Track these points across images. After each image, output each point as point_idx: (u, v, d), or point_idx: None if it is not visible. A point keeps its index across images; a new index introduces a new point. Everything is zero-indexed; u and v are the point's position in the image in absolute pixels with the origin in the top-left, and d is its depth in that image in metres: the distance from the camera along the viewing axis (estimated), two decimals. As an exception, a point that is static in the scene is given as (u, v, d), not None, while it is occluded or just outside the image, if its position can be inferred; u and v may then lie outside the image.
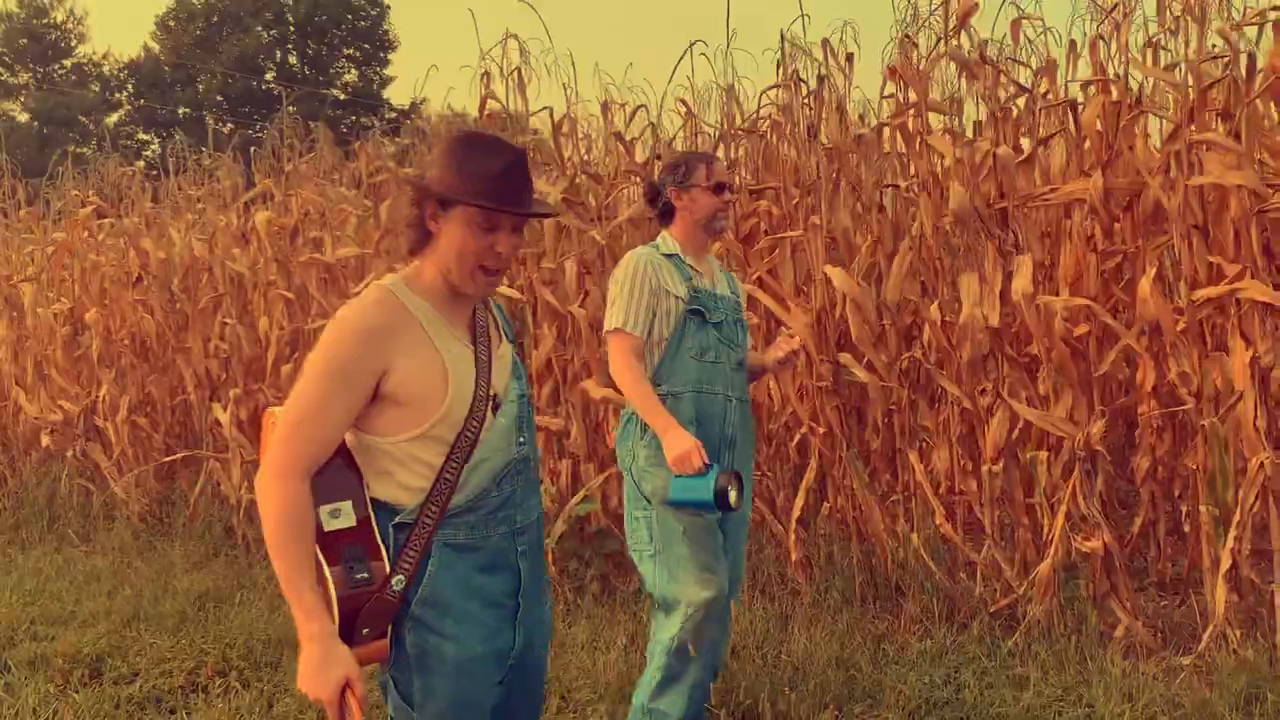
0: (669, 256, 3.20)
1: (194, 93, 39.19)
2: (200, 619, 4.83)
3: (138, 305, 7.25)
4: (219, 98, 38.18)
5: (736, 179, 5.19)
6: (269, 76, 40.04)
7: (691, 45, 5.26)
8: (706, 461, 2.89)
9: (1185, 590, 4.36)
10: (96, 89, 39.45)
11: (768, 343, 4.59)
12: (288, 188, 6.81)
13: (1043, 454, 4.32)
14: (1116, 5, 4.49)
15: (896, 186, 5.21)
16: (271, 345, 6.32)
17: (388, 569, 1.89)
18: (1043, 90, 4.99)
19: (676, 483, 2.91)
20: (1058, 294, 4.48)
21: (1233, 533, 3.92)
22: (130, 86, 39.57)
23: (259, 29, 40.51)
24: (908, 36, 4.82)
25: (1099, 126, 4.48)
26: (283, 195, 6.83)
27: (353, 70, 43.26)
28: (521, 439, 2.05)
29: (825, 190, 4.88)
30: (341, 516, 1.90)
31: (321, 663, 1.79)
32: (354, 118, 35.52)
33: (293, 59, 41.12)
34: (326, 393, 1.88)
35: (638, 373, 3.05)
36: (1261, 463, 3.88)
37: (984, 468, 4.47)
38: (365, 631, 1.87)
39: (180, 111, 37.57)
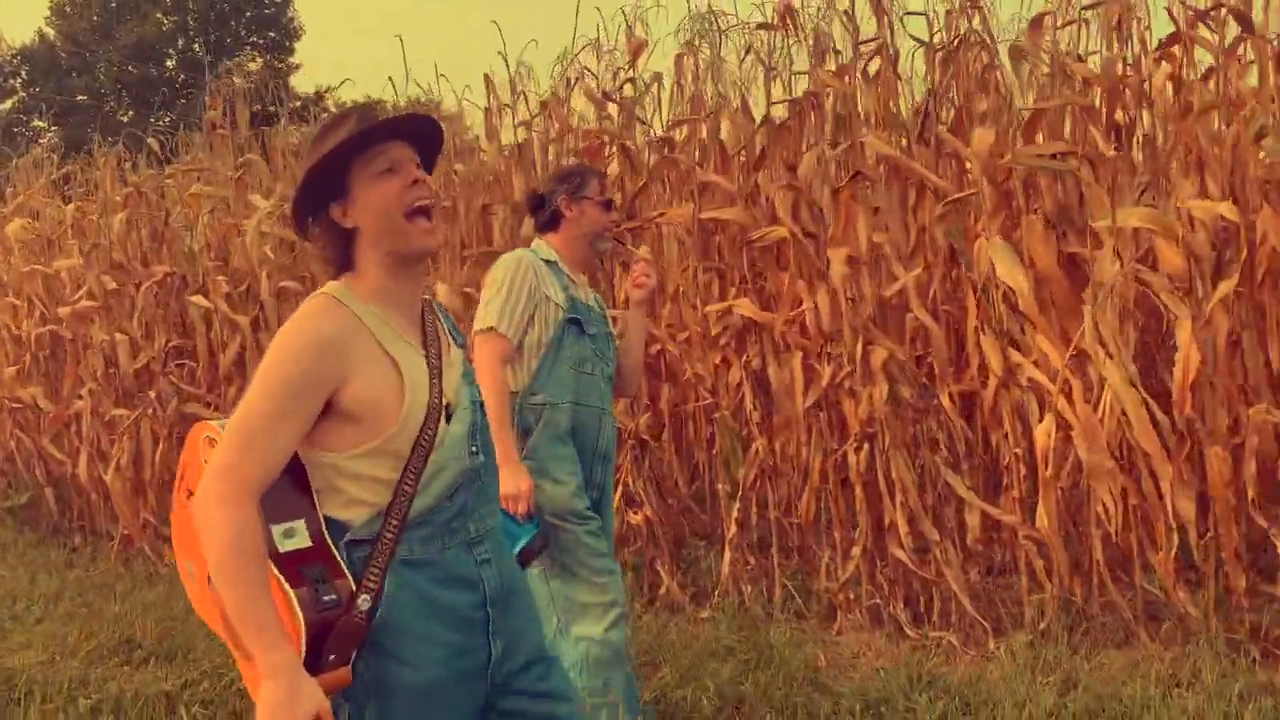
0: (548, 263, 3.16)
1: (90, 80, 38.80)
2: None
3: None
4: (118, 85, 37.95)
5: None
6: (169, 64, 39.79)
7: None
8: (531, 513, 2.89)
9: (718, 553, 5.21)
10: (-11, 75, 38.86)
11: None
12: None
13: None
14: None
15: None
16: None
17: (353, 588, 1.78)
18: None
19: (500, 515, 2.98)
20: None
21: (736, 505, 4.78)
22: (24, 73, 39.09)
23: (158, 15, 40.16)
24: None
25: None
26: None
27: (257, 59, 43.10)
28: (474, 447, 1.96)
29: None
30: (296, 536, 1.78)
31: (289, 699, 1.65)
32: (258, 107, 35.58)
33: (196, 47, 40.88)
34: (278, 410, 1.76)
35: (503, 384, 2.99)
36: (757, 448, 4.74)
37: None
38: (332, 658, 1.74)
39: (77, 98, 37.27)
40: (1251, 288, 4.04)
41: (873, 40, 4.57)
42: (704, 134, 5.03)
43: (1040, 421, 4.04)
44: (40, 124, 37.90)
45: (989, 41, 4.73)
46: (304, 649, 1.71)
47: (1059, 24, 4.64)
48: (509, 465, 2.82)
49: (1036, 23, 4.77)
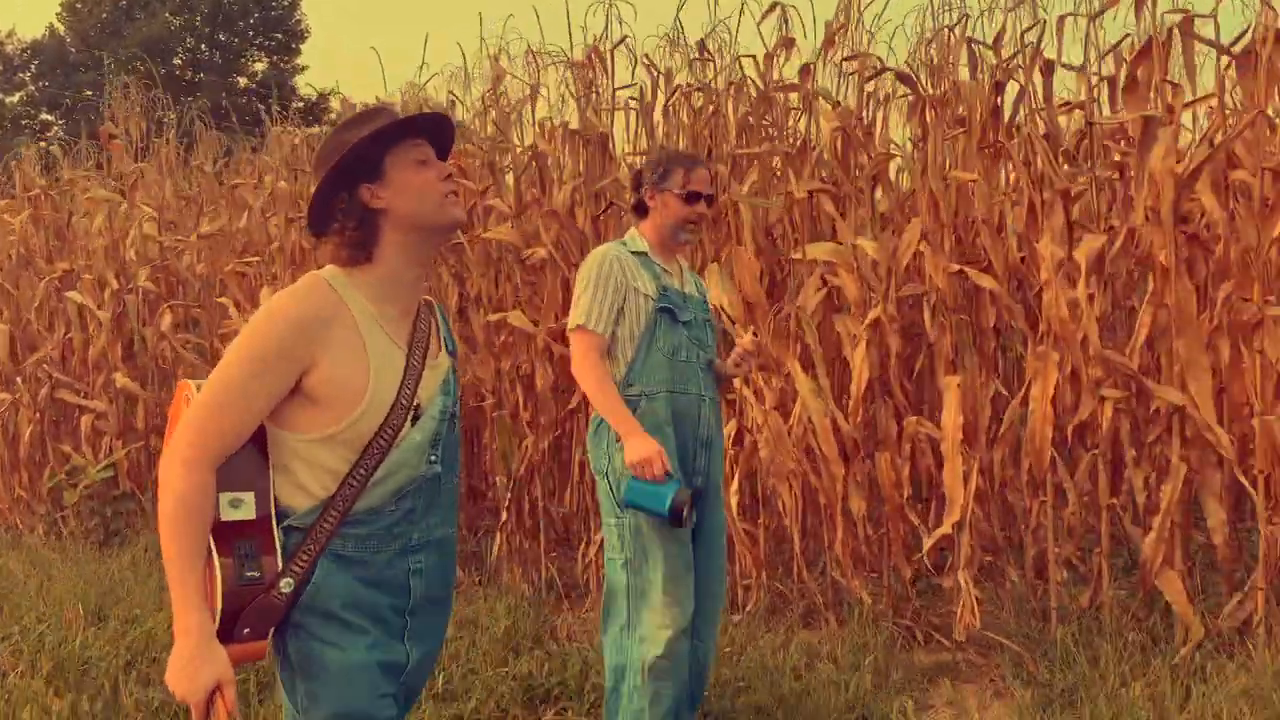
0: (637, 254, 3.14)
1: (97, 75, 39.73)
2: None
3: None
4: (125, 82, 38.88)
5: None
6: (177, 61, 40.70)
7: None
8: (668, 470, 2.90)
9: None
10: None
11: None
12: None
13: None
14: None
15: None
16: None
17: (279, 568, 1.81)
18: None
19: (635, 485, 2.91)
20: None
21: (509, 495, 5.35)
22: (33, 67, 40.08)
23: (166, 15, 41.08)
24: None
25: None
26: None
27: (263, 59, 43.90)
28: (434, 457, 1.94)
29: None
30: (242, 508, 1.81)
31: (193, 660, 1.71)
32: (262, 106, 36.33)
33: (203, 46, 41.78)
34: (249, 381, 1.79)
35: (601, 373, 3.00)
36: (526, 445, 5.31)
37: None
38: (246, 631, 1.79)
39: (85, 94, 38.21)
40: (918, 314, 4.60)
41: (630, 86, 5.16)
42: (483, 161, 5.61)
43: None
44: (48, 117, 38.85)
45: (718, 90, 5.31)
46: (218, 617, 1.76)
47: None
48: (633, 436, 2.91)
49: (805, 71, 5.35)
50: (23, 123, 36.85)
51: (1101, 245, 4.03)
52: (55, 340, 7.25)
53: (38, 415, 6.65)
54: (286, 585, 1.81)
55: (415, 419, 1.90)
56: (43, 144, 8.68)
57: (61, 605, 4.99)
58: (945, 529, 4.21)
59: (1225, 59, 4.60)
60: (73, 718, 4.00)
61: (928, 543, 4.24)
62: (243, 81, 40.50)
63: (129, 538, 6.10)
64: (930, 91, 4.87)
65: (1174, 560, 4.11)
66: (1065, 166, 4.26)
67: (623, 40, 5.16)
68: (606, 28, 5.20)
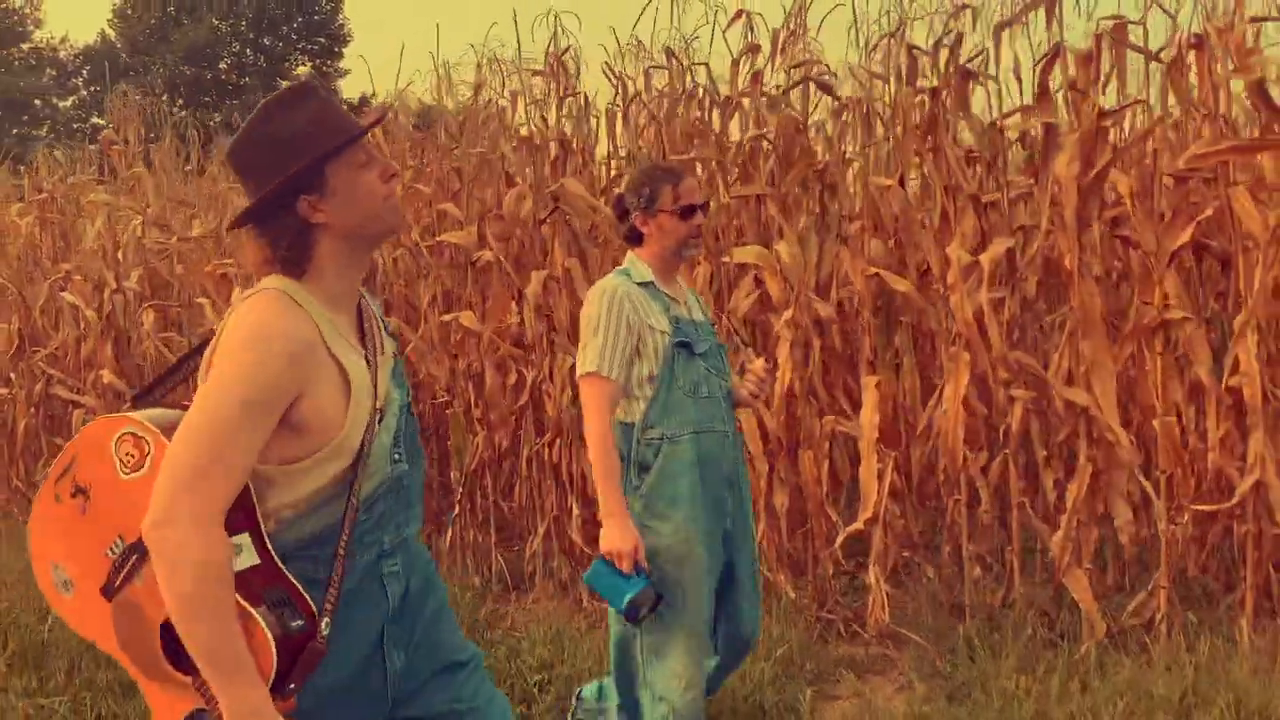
0: (643, 285, 2.93)
1: (143, 80, 40.71)
2: None
3: None
4: (178, 85, 39.82)
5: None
6: (223, 65, 41.57)
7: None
8: (641, 567, 2.75)
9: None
10: (53, 73, 41.01)
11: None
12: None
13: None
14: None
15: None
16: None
17: (313, 609, 1.68)
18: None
19: (599, 569, 2.76)
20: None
21: (462, 489, 5.54)
22: (85, 72, 41.16)
23: (213, 20, 41.98)
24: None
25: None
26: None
27: (307, 63, 44.68)
28: (398, 455, 1.84)
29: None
30: (243, 554, 1.64)
31: None
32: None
33: (248, 50, 42.66)
34: (248, 419, 1.63)
35: (606, 430, 2.79)
36: (478, 442, 5.50)
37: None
38: (292, 687, 1.64)
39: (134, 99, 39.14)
40: (843, 318, 4.72)
41: (573, 94, 5.32)
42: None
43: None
44: (99, 121, 39.89)
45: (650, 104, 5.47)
46: (272, 674, 1.60)
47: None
48: (614, 519, 2.73)
49: (756, 77, 5.49)
50: (75, 126, 37.89)
51: (1005, 250, 4.12)
52: (60, 339, 7.58)
53: (33, 410, 6.98)
54: (327, 628, 1.67)
55: (380, 420, 1.79)
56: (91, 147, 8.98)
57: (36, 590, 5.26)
58: (858, 525, 4.33)
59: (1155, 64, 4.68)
60: (24, 694, 4.27)
61: (840, 538, 4.35)
62: (285, 85, 41.29)
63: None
64: (871, 98, 4.99)
65: (1081, 558, 4.19)
66: (977, 172, 4.36)
67: (568, 49, 5.33)
68: (554, 37, 5.37)
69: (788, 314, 4.36)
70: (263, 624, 1.59)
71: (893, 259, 4.80)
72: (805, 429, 4.62)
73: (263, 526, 1.69)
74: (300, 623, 1.64)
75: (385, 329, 1.94)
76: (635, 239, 3.01)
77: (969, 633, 4.17)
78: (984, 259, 4.09)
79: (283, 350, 1.66)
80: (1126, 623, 4.14)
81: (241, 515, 1.66)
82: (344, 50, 43.12)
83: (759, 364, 3.09)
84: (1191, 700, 3.62)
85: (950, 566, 4.55)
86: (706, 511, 2.89)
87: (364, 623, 1.80)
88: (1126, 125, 5.07)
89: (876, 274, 4.43)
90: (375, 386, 1.79)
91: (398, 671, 1.86)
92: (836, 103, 4.79)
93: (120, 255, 6.99)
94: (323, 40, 42.70)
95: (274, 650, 1.59)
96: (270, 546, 1.69)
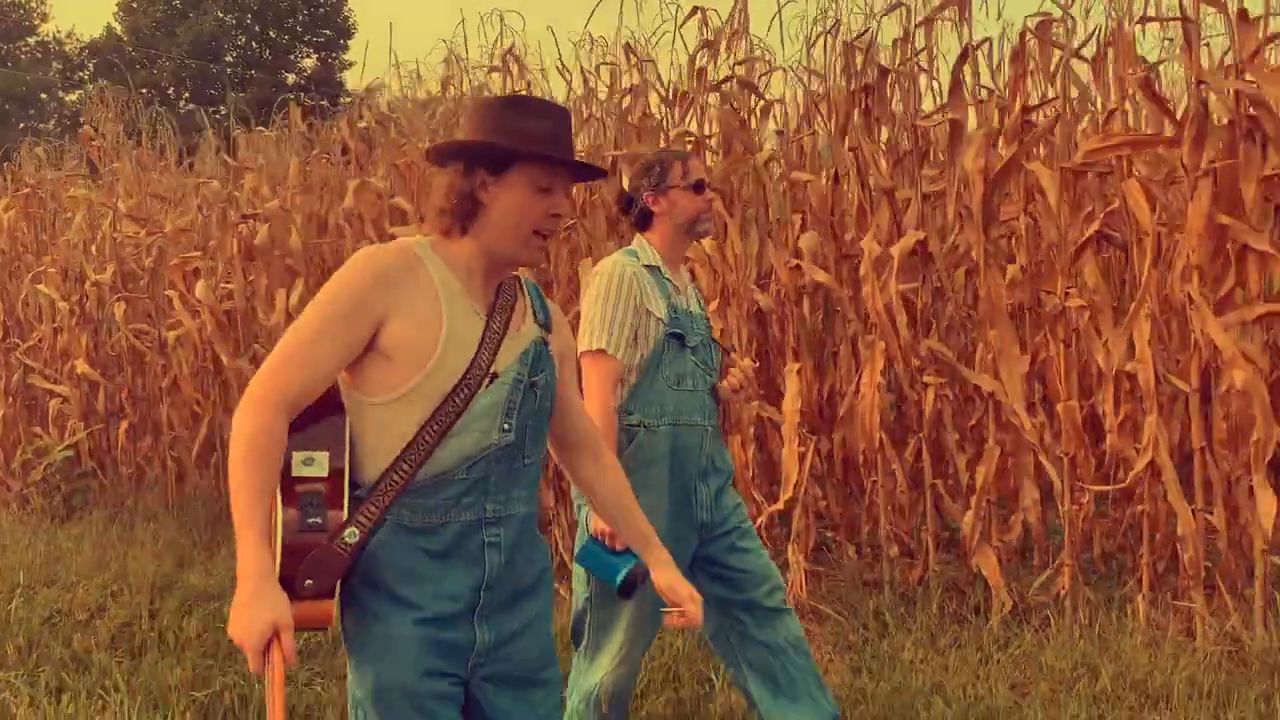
0: (650, 268, 2.91)
1: (149, 74, 40.96)
2: None
3: None
4: (183, 77, 40.12)
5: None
6: (228, 59, 41.80)
7: None
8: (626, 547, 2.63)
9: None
10: (59, 67, 41.29)
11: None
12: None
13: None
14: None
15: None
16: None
17: (344, 518, 1.75)
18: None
19: (590, 548, 2.73)
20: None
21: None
22: (91, 66, 41.44)
23: (218, 13, 42.17)
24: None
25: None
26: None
27: (311, 56, 44.84)
28: (507, 425, 1.87)
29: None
30: (314, 465, 1.78)
31: (250, 604, 1.62)
32: (310, 102, 37.27)
33: (253, 43, 42.88)
34: (324, 328, 1.79)
35: (610, 413, 2.77)
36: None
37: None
38: (308, 583, 1.71)
39: (141, 91, 39.43)
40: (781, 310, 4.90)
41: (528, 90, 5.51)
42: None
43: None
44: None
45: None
46: (278, 566, 1.69)
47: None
48: None
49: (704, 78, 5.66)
50: (81, 119, 38.19)
51: (916, 242, 4.29)
52: (42, 330, 7.80)
53: (11, 400, 7.21)
54: (351, 535, 1.75)
55: (490, 384, 1.85)
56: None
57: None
58: (779, 505, 4.51)
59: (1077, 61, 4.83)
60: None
61: (761, 518, 4.54)
62: (290, 78, 41.54)
63: (86, 513, 6.61)
64: (799, 97, 5.16)
65: (990, 537, 4.37)
66: (889, 166, 4.52)
67: (510, 49, 5.51)
68: (500, 34, 5.55)
69: (713, 305, 4.54)
70: (280, 522, 1.71)
71: (826, 252, 4.97)
72: (734, 415, 4.80)
73: (346, 454, 1.80)
74: (318, 520, 1.73)
75: (538, 318, 2.00)
76: (644, 222, 2.99)
77: (880, 607, 4.35)
78: (894, 250, 4.26)
79: (368, 267, 1.80)
80: (1034, 599, 4.32)
81: (330, 438, 1.80)
82: (348, 42, 43.33)
83: (745, 363, 3.14)
84: (1080, 671, 3.80)
85: (869, 545, 4.73)
86: (672, 501, 2.88)
87: (456, 580, 1.85)
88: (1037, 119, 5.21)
89: (798, 265, 4.61)
90: (491, 353, 1.85)
91: (481, 649, 1.89)
92: (763, 101, 4.95)
93: (94, 249, 7.20)
94: (328, 32, 42.90)
95: (279, 548, 1.70)
96: (346, 467, 1.79)
